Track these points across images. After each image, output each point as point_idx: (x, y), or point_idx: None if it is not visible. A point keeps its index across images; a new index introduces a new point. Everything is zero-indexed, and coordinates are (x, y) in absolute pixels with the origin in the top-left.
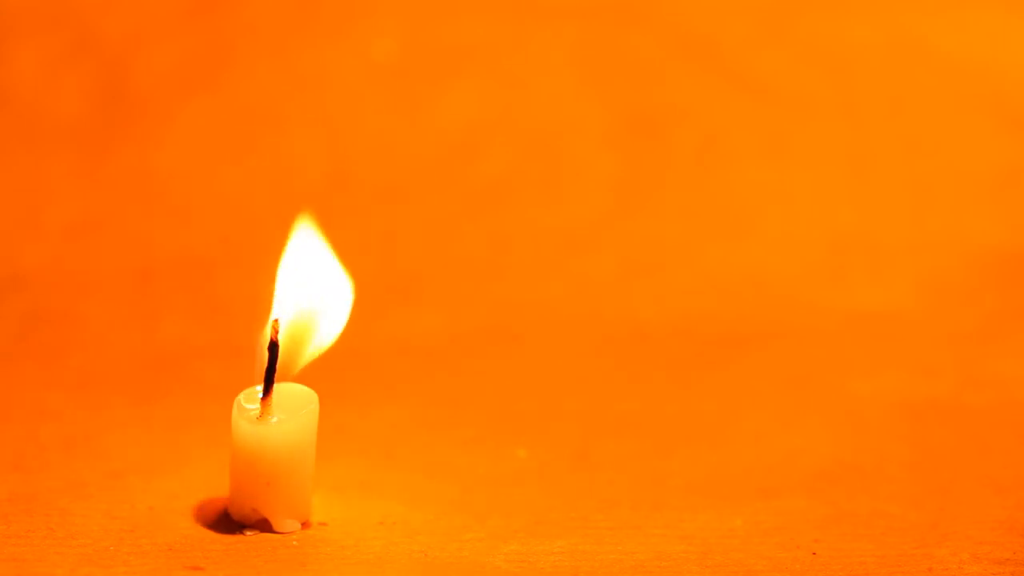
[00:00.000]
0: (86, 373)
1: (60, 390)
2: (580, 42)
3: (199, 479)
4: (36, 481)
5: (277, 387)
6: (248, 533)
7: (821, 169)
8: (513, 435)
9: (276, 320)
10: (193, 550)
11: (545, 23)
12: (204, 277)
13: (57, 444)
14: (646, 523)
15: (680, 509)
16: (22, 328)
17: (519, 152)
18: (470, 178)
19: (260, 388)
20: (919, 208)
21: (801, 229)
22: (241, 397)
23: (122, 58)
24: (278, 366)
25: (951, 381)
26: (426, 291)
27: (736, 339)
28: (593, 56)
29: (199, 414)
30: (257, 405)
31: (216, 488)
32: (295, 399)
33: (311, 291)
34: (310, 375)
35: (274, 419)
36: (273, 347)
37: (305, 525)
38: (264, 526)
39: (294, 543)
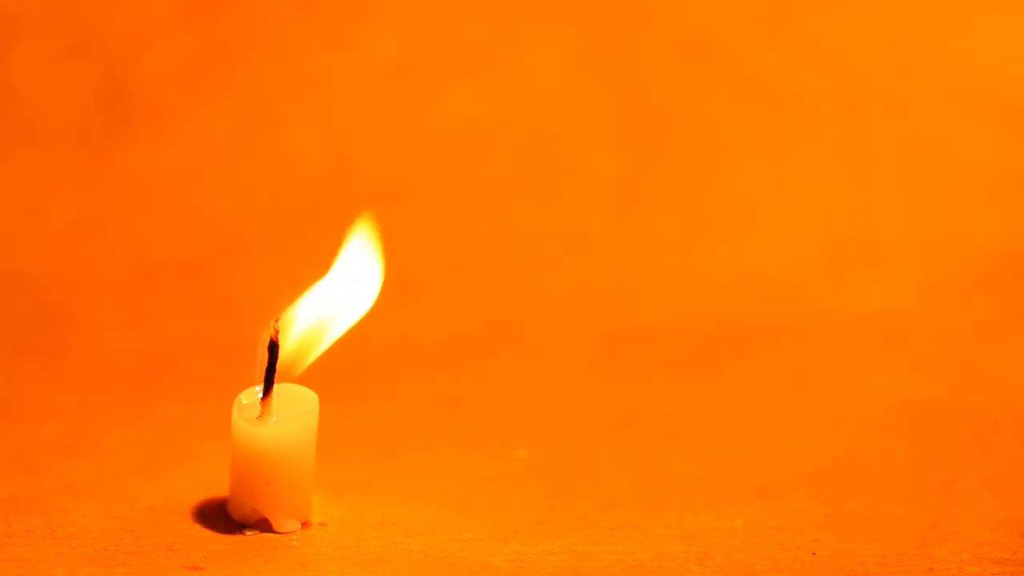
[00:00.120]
0: (86, 373)
1: (60, 390)
2: (580, 42)
3: (199, 479)
4: (36, 481)
5: (277, 387)
6: (248, 533)
7: (821, 169)
8: (513, 435)
9: (276, 320)
10: (193, 550)
11: (545, 23)
12: (204, 277)
13: (57, 444)
14: (646, 523)
15: (680, 509)
16: (22, 328)
17: (519, 152)
18: (470, 178)
19: (260, 388)
20: (919, 208)
21: (801, 229)
22: (241, 397)
23: (123, 58)
24: (281, 366)
25: (951, 381)
26: (426, 291)
27: (736, 339)
28: (593, 56)
29: (199, 414)
30: (257, 405)
31: (216, 488)
32: (295, 399)
33: (337, 297)
34: (310, 375)
35: (273, 419)
36: (273, 347)
37: (305, 525)
38: (264, 526)
39: (294, 543)
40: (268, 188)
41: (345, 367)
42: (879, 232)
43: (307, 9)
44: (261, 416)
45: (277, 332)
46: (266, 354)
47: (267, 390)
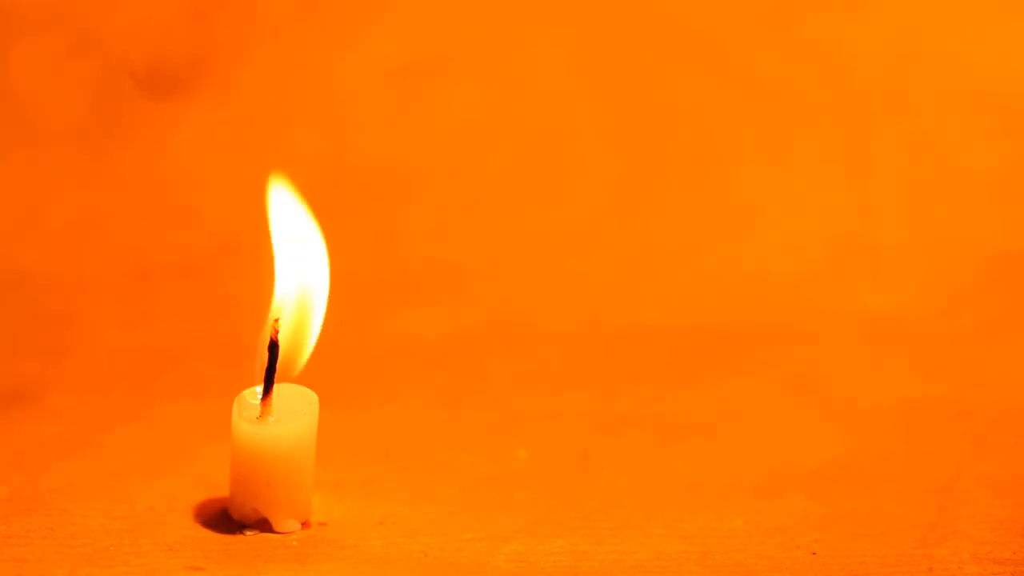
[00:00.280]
0: (86, 373)
1: (60, 390)
2: (580, 42)
3: (199, 479)
4: (36, 481)
5: (277, 387)
6: (248, 533)
7: (821, 169)
8: (513, 435)
9: (276, 320)
10: (193, 550)
11: (545, 23)
12: (204, 277)
13: (57, 444)
14: (646, 523)
15: (680, 509)
16: (22, 328)
17: (519, 152)
18: (470, 178)
19: (260, 388)
20: (919, 208)
21: (801, 229)
22: (241, 397)
23: (123, 58)
24: (278, 366)
25: (951, 381)
26: (426, 291)
27: (736, 339)
28: (593, 56)
29: (199, 414)
30: (257, 405)
31: (216, 488)
32: (295, 399)
33: (304, 282)
34: (310, 375)
35: (272, 419)
36: (273, 347)
37: (305, 525)
38: (264, 526)
39: (294, 543)
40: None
41: (345, 367)
42: (879, 232)
43: (307, 9)
44: (261, 416)
45: (277, 332)
46: (266, 354)
47: (267, 390)
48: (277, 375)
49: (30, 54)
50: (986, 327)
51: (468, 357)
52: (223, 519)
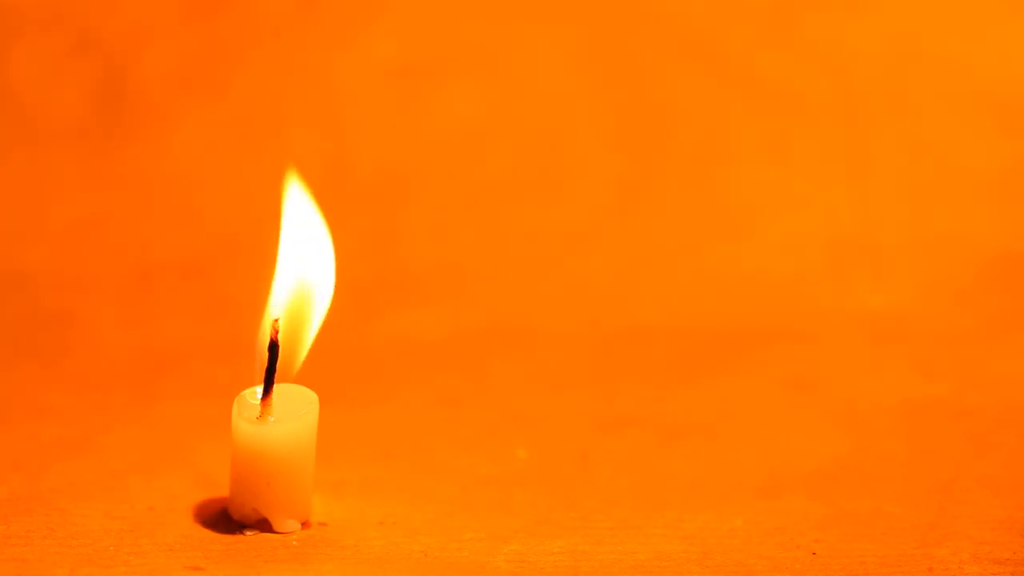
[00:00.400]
0: (86, 373)
1: (60, 390)
2: (580, 42)
3: (199, 479)
4: (36, 481)
5: (277, 387)
6: (248, 533)
7: (821, 169)
8: (513, 435)
9: (276, 320)
10: (193, 550)
11: (545, 23)
12: (204, 277)
13: (57, 444)
14: (646, 523)
15: (680, 509)
16: (22, 328)
17: (519, 152)
18: (470, 178)
19: (260, 388)
20: (919, 208)
21: (801, 229)
22: (241, 397)
23: (123, 58)
24: (278, 365)
25: (951, 381)
26: (426, 291)
27: (736, 339)
28: (593, 56)
29: (199, 414)
30: (257, 405)
31: (216, 488)
32: (295, 399)
33: (303, 280)
34: (310, 375)
35: (272, 419)
36: (273, 347)
37: (305, 525)
38: (264, 526)
39: (294, 543)
40: (268, 188)
41: (345, 367)
42: (879, 232)
43: (307, 9)
44: (261, 416)
45: (277, 332)
46: (266, 354)
47: (267, 390)
48: (277, 375)
49: (30, 54)
50: (986, 327)
51: (468, 357)
52: (223, 519)
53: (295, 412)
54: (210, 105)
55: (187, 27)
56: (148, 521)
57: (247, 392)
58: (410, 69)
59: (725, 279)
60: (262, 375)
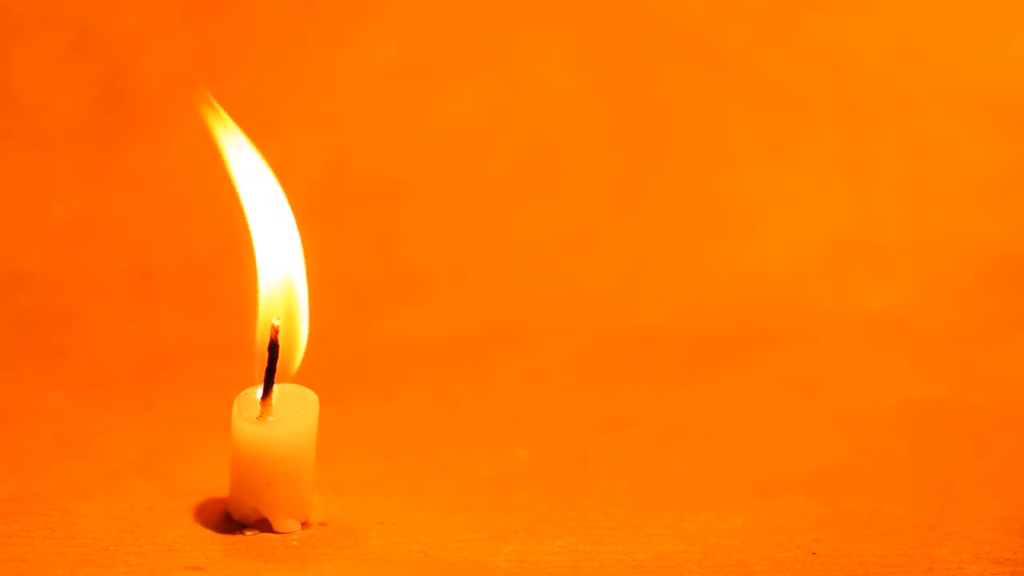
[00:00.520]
0: (86, 373)
1: (60, 390)
2: (580, 42)
3: (199, 479)
4: (36, 481)
5: (277, 387)
6: (248, 533)
7: (821, 169)
8: (513, 435)
9: (276, 320)
10: (193, 550)
11: (545, 23)
12: (204, 277)
13: (57, 444)
14: (646, 523)
15: (680, 509)
16: (22, 328)
17: (519, 152)
18: (470, 178)
19: (260, 389)
20: (919, 208)
21: (801, 229)
22: (241, 397)
23: (123, 58)
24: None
25: (951, 381)
26: (426, 291)
27: (736, 339)
28: (593, 56)
29: (199, 414)
30: (257, 405)
31: (216, 488)
32: (295, 399)
33: (287, 277)
34: (310, 375)
35: (272, 419)
36: (273, 347)
37: (305, 525)
38: (264, 526)
39: (294, 543)
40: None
41: (345, 367)
42: (879, 232)
43: (307, 9)
44: (261, 416)
45: (277, 332)
46: (266, 354)
47: (267, 390)
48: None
49: (30, 54)
50: (986, 327)
51: (468, 357)
52: (223, 519)
53: (295, 412)
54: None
55: (187, 27)
56: (148, 521)
57: (247, 392)
58: (410, 69)
59: (725, 279)
60: (261, 375)
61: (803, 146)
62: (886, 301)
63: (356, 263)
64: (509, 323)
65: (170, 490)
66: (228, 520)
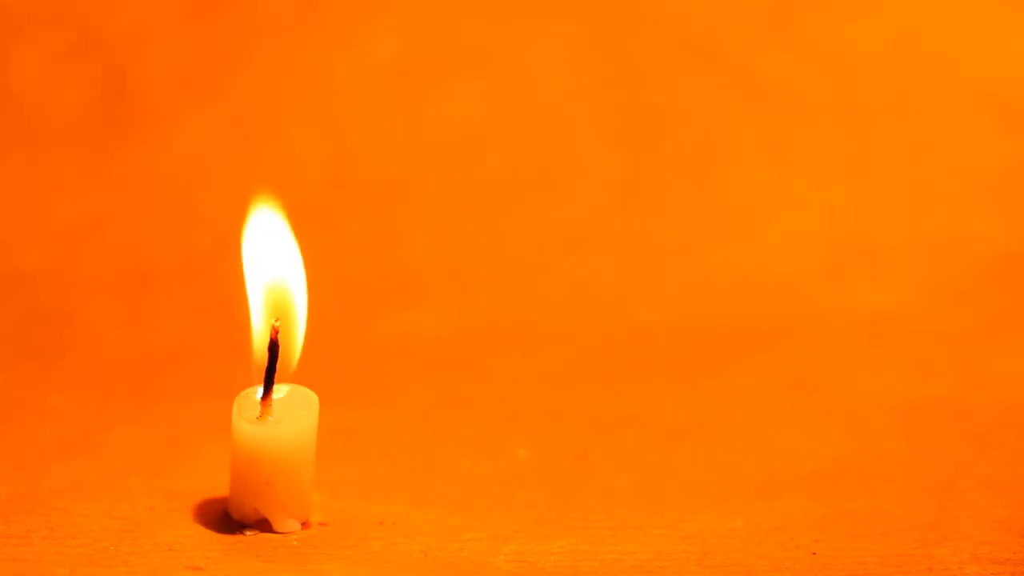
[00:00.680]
0: (86, 373)
1: (60, 390)
2: (580, 42)
3: (199, 479)
4: (36, 481)
5: (277, 388)
6: (248, 533)
7: (821, 169)
8: (513, 435)
9: (276, 320)
10: (193, 550)
11: (545, 23)
12: (204, 277)
13: (57, 444)
14: (646, 523)
15: (680, 509)
16: (22, 328)
17: (519, 152)
18: (470, 178)
19: (260, 389)
20: (919, 208)
21: (801, 229)
22: (241, 397)
23: (123, 58)
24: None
25: (951, 381)
26: (426, 291)
27: (736, 339)
28: (593, 56)
29: (199, 414)
30: (257, 405)
31: (216, 488)
32: (295, 399)
33: (279, 280)
34: (310, 375)
35: (272, 419)
36: (273, 347)
37: (305, 525)
38: (264, 526)
39: (294, 543)
40: (268, 188)
41: (345, 367)
42: (879, 232)
43: (307, 9)
44: (261, 416)
45: (277, 332)
46: (265, 354)
47: (267, 390)
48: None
49: (30, 54)
50: (986, 327)
51: (468, 357)
52: (223, 519)
53: (295, 412)
54: (210, 105)
55: (187, 27)
56: (148, 521)
57: (247, 392)
58: (410, 69)
59: (725, 279)
60: (260, 375)
61: (803, 146)
62: (886, 301)
63: (356, 263)
64: (509, 323)
65: (170, 490)
66: (228, 520)
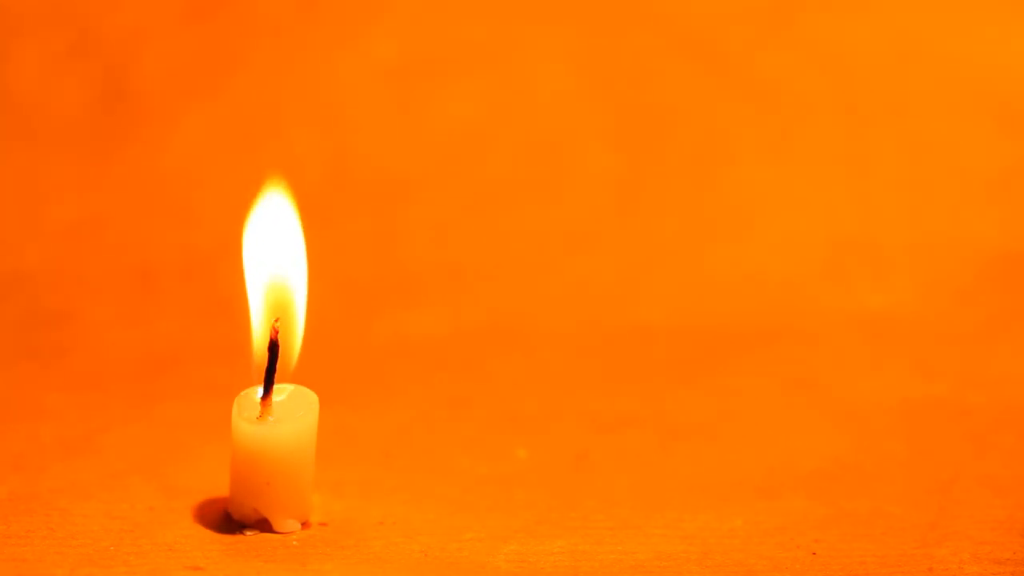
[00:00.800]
0: (86, 373)
1: (60, 390)
2: (580, 42)
3: (199, 479)
4: (36, 481)
5: (277, 388)
6: (248, 533)
7: (821, 169)
8: (513, 435)
9: (277, 320)
10: (193, 550)
11: (545, 23)
12: (204, 277)
13: (57, 444)
14: (646, 523)
15: (680, 509)
16: (22, 328)
17: (519, 152)
18: (470, 178)
19: (260, 389)
20: (919, 208)
21: (801, 229)
22: (241, 397)
23: (123, 58)
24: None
25: (951, 381)
26: (426, 291)
27: (736, 339)
28: (593, 56)
29: (199, 414)
30: (257, 405)
31: (216, 488)
32: (295, 399)
33: (279, 279)
34: (310, 375)
35: (272, 419)
36: (273, 347)
37: (305, 525)
38: (264, 526)
39: (294, 543)
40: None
41: (345, 367)
42: (879, 232)
43: (307, 9)
44: (261, 416)
45: (277, 332)
46: (265, 354)
47: (267, 390)
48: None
49: (30, 54)
50: (986, 327)
51: (468, 357)
52: (223, 519)
53: (295, 412)
54: (210, 105)
55: (187, 27)
56: (148, 521)
57: (247, 392)
58: (410, 69)
59: (725, 279)
60: (260, 375)
61: (803, 146)
62: (886, 301)
63: (356, 263)
64: (509, 323)
65: (170, 490)
66: (228, 520)
